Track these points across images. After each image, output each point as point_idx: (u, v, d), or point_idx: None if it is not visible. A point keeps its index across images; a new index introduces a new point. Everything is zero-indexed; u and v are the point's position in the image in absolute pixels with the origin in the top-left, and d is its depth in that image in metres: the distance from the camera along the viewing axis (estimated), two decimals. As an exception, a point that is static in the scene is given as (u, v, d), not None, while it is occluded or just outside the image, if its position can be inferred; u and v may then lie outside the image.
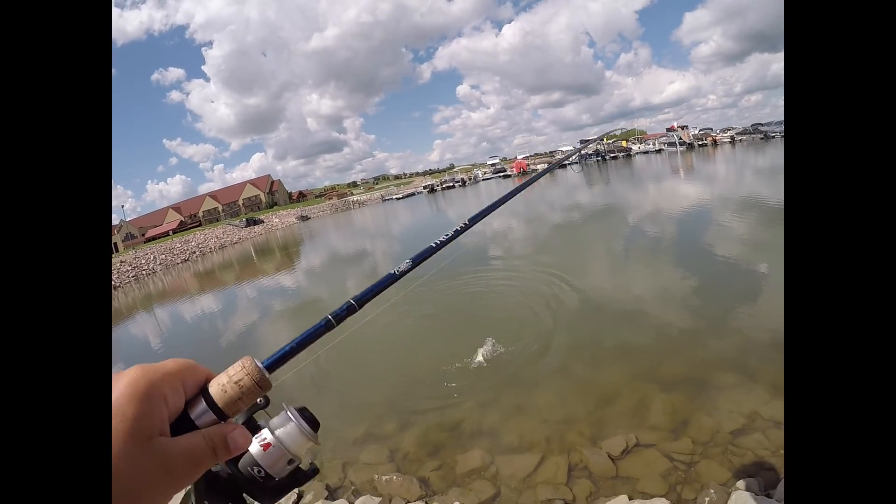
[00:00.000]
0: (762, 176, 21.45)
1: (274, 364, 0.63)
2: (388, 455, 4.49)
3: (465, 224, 0.87)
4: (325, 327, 0.70)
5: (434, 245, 0.87)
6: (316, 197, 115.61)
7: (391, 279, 0.80)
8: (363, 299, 0.74)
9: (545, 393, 5.02)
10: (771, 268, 7.26)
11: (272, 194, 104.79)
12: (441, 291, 9.16)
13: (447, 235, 0.89)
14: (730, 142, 65.35)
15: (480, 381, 5.39)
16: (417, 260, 0.85)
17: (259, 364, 0.59)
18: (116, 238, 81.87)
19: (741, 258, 8.40)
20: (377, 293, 0.78)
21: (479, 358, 5.79)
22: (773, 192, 14.29)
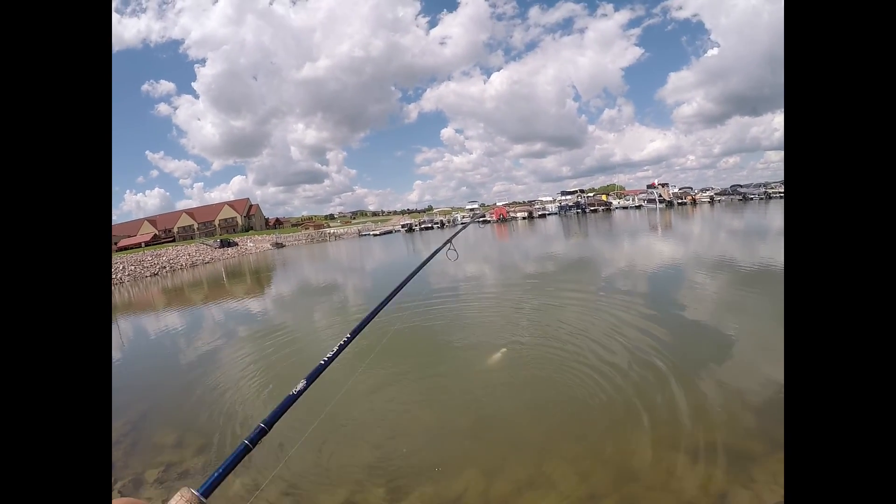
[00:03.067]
0: (750, 237, 21.68)
1: (209, 490, 0.70)
2: None
3: (347, 338, 0.98)
4: (244, 451, 0.78)
5: (323, 362, 0.97)
6: (292, 225, 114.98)
7: (291, 400, 0.87)
8: (272, 421, 0.82)
9: (559, 463, 4.37)
10: (738, 330, 7.27)
11: (249, 218, 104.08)
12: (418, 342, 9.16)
13: (332, 351, 0.99)
14: (709, 201, 66.36)
15: (478, 444, 4.81)
16: (311, 378, 0.93)
17: (197, 493, 0.65)
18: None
19: (715, 320, 8.30)
20: (282, 413, 0.86)
21: (470, 418, 5.38)
22: (773, 251, 14.63)
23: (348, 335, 0.92)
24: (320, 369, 0.84)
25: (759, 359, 6.22)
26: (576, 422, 5.09)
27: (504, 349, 7.33)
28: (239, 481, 4.54)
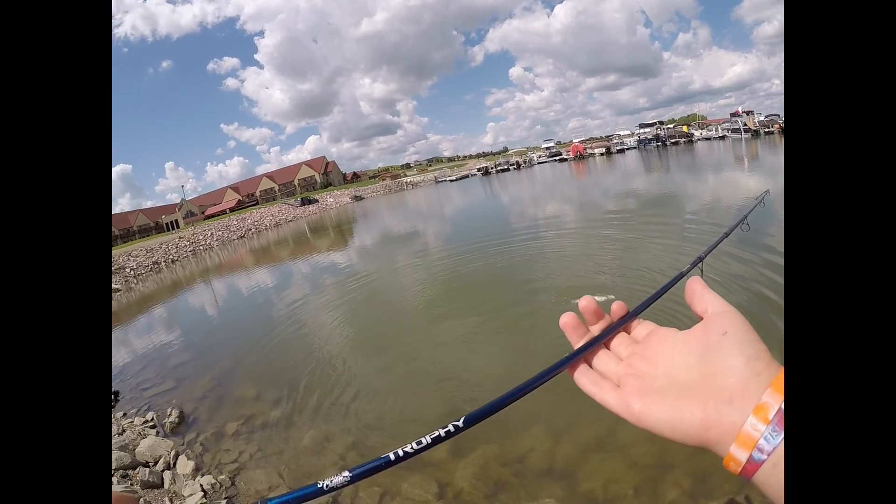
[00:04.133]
0: None
1: None
2: (436, 490, 3.76)
3: (457, 426, 0.61)
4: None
5: (391, 458, 0.61)
6: (370, 178, 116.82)
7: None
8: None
9: (631, 428, 3.98)
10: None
11: (327, 175, 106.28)
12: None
13: (413, 447, 0.62)
14: None
15: (549, 404, 4.41)
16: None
17: None
18: (177, 215, 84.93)
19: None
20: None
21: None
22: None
23: (457, 424, 0.51)
24: (381, 466, 0.51)
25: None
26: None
27: (598, 297, 6.91)
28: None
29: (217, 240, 39.61)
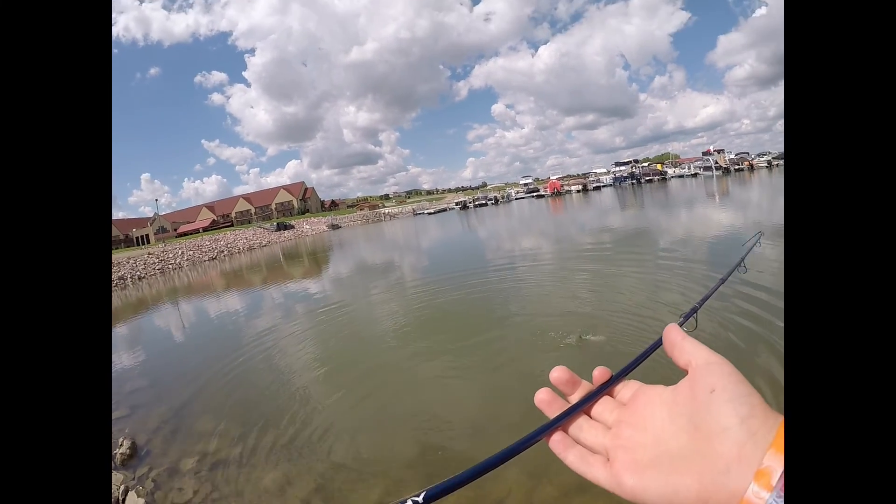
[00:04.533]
0: None
1: None
2: None
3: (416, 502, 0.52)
4: None
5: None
6: (348, 207, 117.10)
7: None
8: None
9: None
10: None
11: (305, 201, 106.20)
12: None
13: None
14: (767, 166, 66.18)
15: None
16: None
17: None
18: (149, 230, 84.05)
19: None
20: None
21: (522, 410, 4.92)
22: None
23: (416, 500, 0.52)
24: None
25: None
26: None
27: (577, 335, 6.80)
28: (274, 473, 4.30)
29: (188, 259, 39.06)
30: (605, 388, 0.62)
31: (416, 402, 5.39)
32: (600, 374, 0.64)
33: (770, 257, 8.05)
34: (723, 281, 1.77)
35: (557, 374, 0.63)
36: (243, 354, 8.20)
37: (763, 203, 23.52)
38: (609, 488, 0.55)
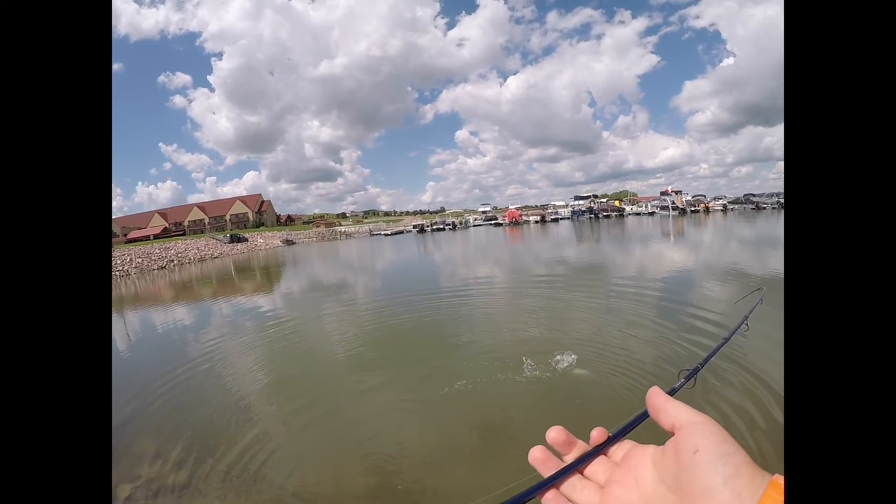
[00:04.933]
0: (762, 245, 21.53)
1: None
2: None
3: None
4: None
5: None
6: (304, 223, 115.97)
7: None
8: None
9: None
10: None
11: (260, 214, 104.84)
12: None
13: None
14: (722, 210, 68.09)
15: (488, 469, 4.24)
16: None
17: None
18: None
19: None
20: None
21: (480, 437, 4.96)
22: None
23: None
24: None
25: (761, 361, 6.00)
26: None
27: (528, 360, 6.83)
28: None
29: (136, 267, 37.89)
30: (601, 450, 0.64)
31: (368, 428, 5.27)
32: (598, 434, 0.65)
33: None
34: (726, 340, 1.77)
35: (554, 434, 0.64)
36: (188, 370, 7.94)
37: (716, 244, 24.19)
38: None
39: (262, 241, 65.69)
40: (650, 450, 0.59)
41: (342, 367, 7.57)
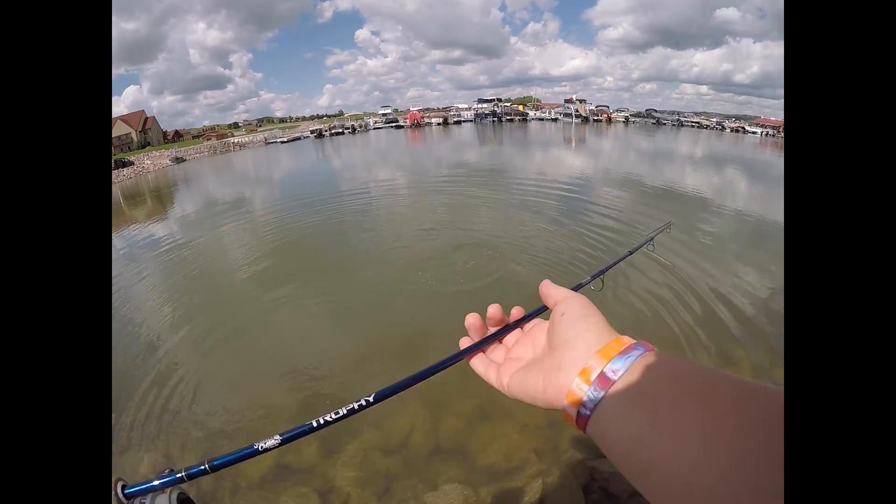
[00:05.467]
0: (658, 158, 22.81)
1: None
2: (318, 501, 3.31)
3: (366, 401, 0.72)
4: (177, 481, 0.68)
5: (315, 424, 0.71)
6: (193, 137, 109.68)
7: (253, 454, 0.70)
8: (220, 467, 0.70)
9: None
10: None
11: (145, 133, 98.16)
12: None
13: (334, 415, 0.71)
14: (623, 121, 70.46)
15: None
16: (287, 440, 0.71)
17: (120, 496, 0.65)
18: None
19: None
20: (236, 462, 0.70)
21: (400, 339, 5.00)
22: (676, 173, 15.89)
23: (368, 399, 0.71)
24: (305, 431, 0.69)
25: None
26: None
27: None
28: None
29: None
30: (514, 328, 0.80)
31: (286, 345, 5.24)
32: (517, 311, 0.81)
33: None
34: (630, 253, 2.01)
35: (492, 311, 0.79)
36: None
37: (614, 153, 24.96)
38: (497, 387, 0.73)
39: (149, 162, 61.76)
40: (546, 323, 0.75)
41: (247, 284, 7.50)
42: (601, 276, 1.34)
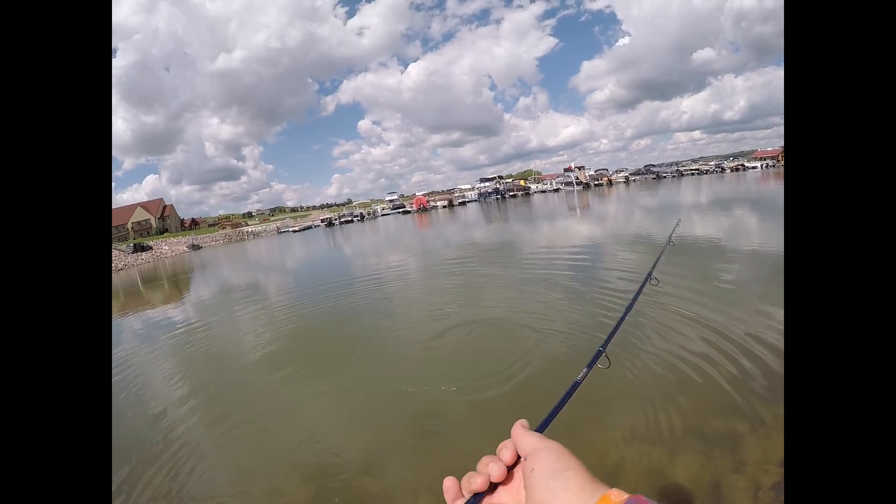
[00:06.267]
0: (664, 212, 22.62)
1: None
2: None
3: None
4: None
5: None
6: (209, 225, 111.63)
7: None
8: None
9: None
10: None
11: (164, 219, 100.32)
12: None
13: None
14: (624, 181, 70.89)
15: (425, 463, 4.13)
16: None
17: None
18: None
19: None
20: None
21: (412, 430, 4.72)
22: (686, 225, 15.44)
23: None
24: None
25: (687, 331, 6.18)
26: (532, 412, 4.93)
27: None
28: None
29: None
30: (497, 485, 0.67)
31: (297, 427, 5.22)
32: (505, 454, 0.69)
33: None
34: (627, 312, 1.72)
35: (448, 483, 0.69)
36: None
37: (620, 215, 24.94)
38: None
39: (167, 248, 62.89)
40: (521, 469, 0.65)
41: (260, 368, 7.42)
42: (604, 352, 1.23)
